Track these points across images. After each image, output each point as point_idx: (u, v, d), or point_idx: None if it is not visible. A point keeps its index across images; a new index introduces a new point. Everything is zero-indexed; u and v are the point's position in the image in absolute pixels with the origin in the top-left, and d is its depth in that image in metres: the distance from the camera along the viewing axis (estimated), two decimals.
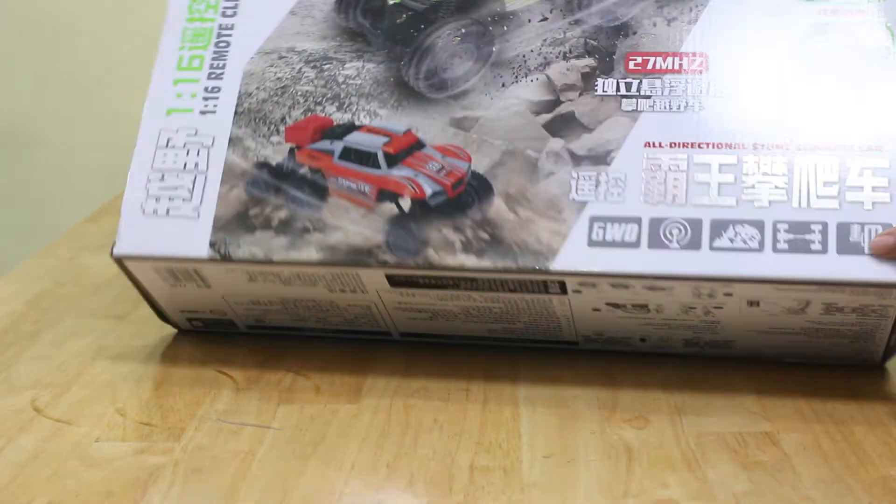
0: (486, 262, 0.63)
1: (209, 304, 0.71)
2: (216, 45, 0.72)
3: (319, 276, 0.67)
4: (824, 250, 0.61)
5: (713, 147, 0.64)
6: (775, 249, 0.61)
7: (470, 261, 0.64)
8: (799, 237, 0.61)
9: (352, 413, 0.62)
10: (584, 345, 0.70)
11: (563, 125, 0.66)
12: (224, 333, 0.74)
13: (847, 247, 0.61)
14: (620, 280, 0.63)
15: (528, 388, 0.65)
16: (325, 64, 0.71)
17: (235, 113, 0.70)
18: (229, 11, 0.73)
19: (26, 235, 1.51)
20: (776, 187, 0.62)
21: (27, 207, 1.62)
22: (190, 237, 0.67)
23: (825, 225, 0.61)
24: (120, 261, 0.68)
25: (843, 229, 0.61)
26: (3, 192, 1.62)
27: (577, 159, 0.65)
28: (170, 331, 0.75)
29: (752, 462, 0.57)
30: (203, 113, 0.70)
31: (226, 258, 0.66)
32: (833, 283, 0.61)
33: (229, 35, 0.72)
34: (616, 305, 0.65)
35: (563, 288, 0.64)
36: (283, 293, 0.69)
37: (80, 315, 0.78)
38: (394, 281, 0.66)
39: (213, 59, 0.72)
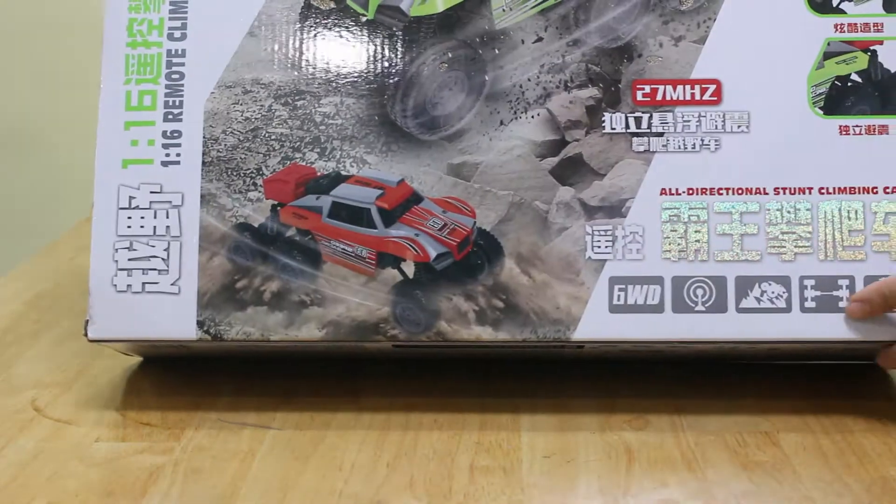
0: (503, 335, 0.60)
1: (184, 355, 0.67)
2: (168, 76, 0.63)
3: (320, 347, 0.63)
4: None
5: (733, 193, 0.61)
6: (803, 309, 0.60)
7: (486, 333, 0.60)
8: (826, 294, 0.60)
9: (352, 413, 0.62)
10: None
11: (571, 171, 0.61)
12: None
13: None
14: (644, 345, 0.61)
15: (527, 389, 0.65)
16: (298, 99, 0.63)
17: (203, 163, 0.62)
18: (177, 33, 0.63)
19: (26, 235, 1.51)
20: (801, 237, 0.60)
21: (27, 207, 1.62)
22: (173, 316, 0.61)
23: (852, 280, 0.60)
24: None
25: (870, 283, 0.60)
26: (3, 192, 1.62)
27: (589, 211, 0.61)
28: None
29: (752, 462, 0.57)
30: (165, 164, 0.62)
31: (217, 339, 0.61)
32: (861, 343, 0.60)
33: (181, 64, 0.63)
34: (631, 352, 0.64)
35: (580, 347, 0.62)
36: (275, 352, 0.65)
37: (80, 315, 0.77)
38: (400, 346, 0.63)
39: (167, 94, 0.63)
